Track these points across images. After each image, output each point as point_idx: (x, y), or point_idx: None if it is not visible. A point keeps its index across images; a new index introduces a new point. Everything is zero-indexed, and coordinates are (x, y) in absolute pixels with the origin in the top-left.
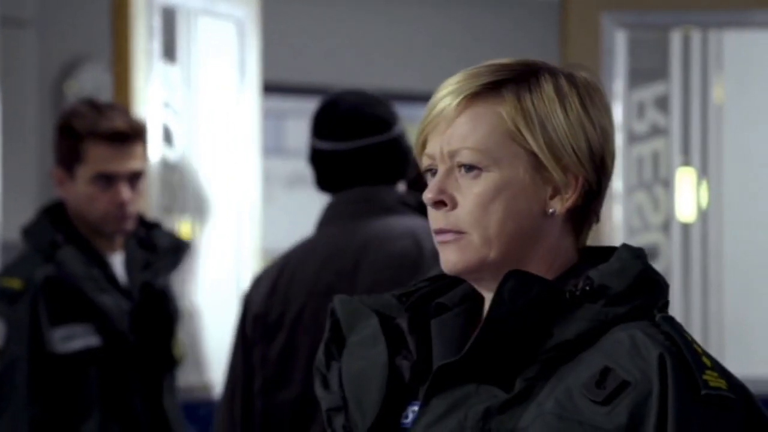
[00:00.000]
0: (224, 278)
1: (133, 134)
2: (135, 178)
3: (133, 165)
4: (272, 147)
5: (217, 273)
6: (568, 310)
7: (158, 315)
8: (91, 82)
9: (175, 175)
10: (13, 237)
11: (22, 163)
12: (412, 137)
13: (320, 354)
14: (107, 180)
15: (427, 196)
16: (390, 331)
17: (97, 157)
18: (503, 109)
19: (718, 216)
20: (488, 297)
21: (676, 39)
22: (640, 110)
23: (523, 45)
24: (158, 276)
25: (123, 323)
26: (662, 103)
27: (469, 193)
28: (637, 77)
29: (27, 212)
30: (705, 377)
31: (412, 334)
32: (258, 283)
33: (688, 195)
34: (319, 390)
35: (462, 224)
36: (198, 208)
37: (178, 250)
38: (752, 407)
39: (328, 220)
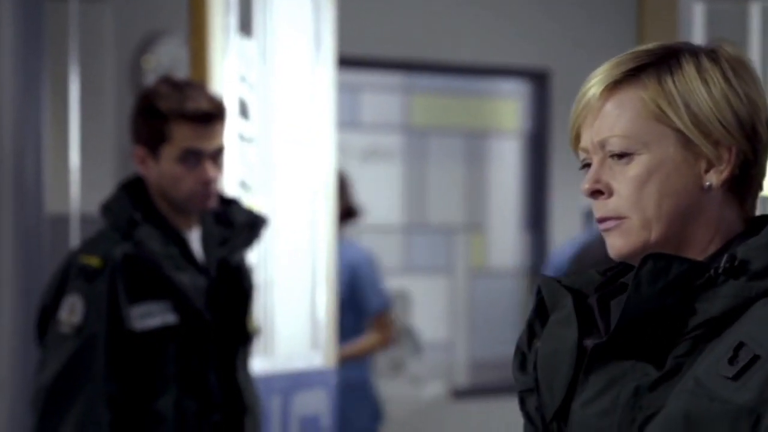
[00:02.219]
0: (299, 252)
1: (217, 113)
2: (218, 155)
3: (217, 142)
4: (347, 121)
5: (292, 247)
6: (712, 288)
7: (234, 291)
8: (168, 57)
9: (251, 149)
10: (92, 210)
11: (101, 137)
12: (487, 110)
13: (523, 333)
14: (193, 158)
15: (584, 187)
16: (585, 310)
17: (183, 137)
18: (645, 93)
19: None
20: None
21: (755, 11)
22: None
23: (600, 18)
24: (235, 252)
25: (200, 301)
26: None
27: (624, 178)
28: None
29: (105, 185)
30: None
31: (602, 314)
32: None
33: None
34: (515, 372)
35: (621, 209)
36: (273, 183)
37: (254, 226)
38: None
39: None
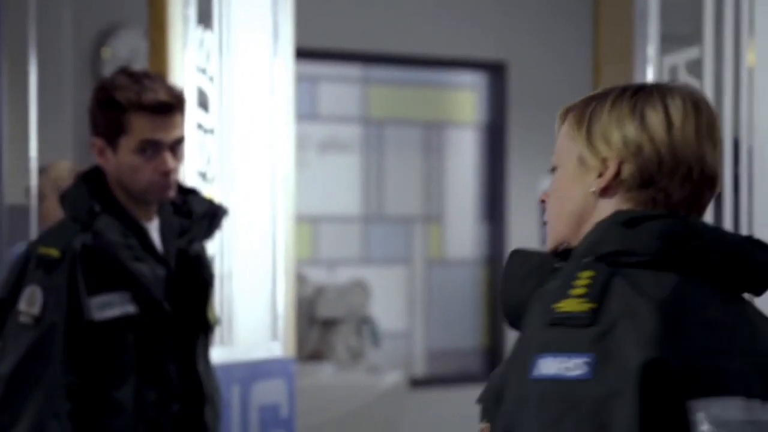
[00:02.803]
0: (258, 243)
1: (176, 104)
2: (177, 145)
3: (176, 133)
4: (306, 112)
5: (251, 238)
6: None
7: (193, 281)
8: (127, 48)
9: (210, 140)
10: None
11: (59, 127)
12: (444, 102)
13: None
14: (151, 149)
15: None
16: None
17: (142, 128)
18: (569, 120)
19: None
20: None
21: (708, 3)
22: (673, 75)
23: (556, 10)
24: (194, 242)
25: (159, 291)
26: (695, 68)
27: (551, 190)
28: (670, 42)
29: None
30: (559, 305)
31: None
32: None
33: None
34: None
35: (547, 215)
36: (232, 174)
37: (213, 216)
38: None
39: None
